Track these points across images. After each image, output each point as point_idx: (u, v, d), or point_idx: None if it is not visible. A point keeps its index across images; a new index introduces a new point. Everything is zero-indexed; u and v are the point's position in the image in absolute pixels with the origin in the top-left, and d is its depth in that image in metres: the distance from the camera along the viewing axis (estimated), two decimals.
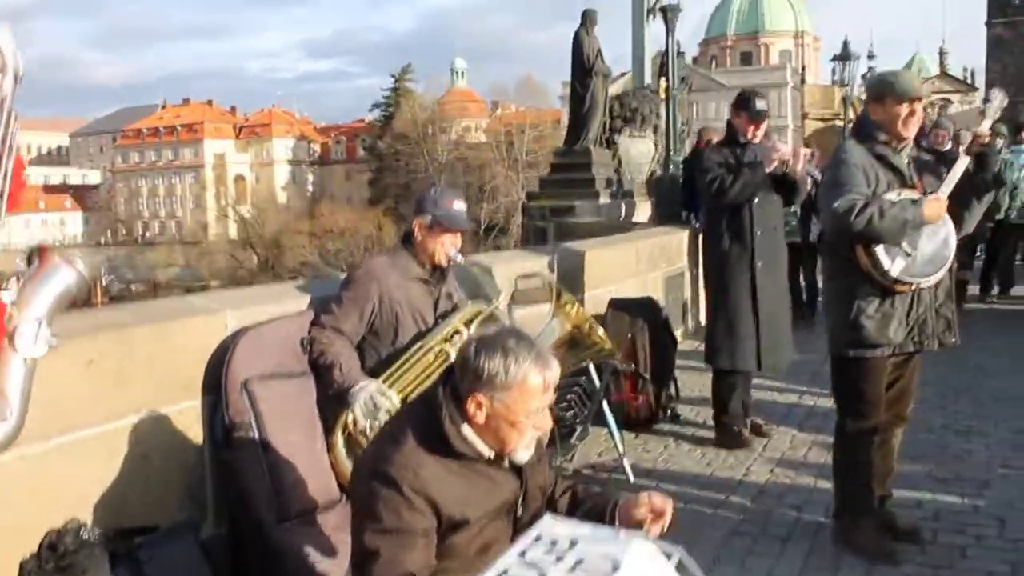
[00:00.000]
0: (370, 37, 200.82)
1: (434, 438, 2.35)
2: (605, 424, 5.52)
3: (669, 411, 6.47)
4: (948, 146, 10.10)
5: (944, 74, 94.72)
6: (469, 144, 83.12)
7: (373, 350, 3.88)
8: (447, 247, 3.94)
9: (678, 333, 8.84)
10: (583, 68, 14.45)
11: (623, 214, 13.32)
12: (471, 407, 2.33)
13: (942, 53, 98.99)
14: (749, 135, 5.82)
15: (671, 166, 12.19)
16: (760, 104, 5.81)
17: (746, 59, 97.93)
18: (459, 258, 3.99)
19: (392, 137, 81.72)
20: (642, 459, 5.73)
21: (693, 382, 7.21)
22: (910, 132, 4.00)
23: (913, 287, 4.00)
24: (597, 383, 5.31)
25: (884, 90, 3.98)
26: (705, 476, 5.42)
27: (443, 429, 2.34)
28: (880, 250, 3.90)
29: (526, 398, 2.32)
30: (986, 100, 4.25)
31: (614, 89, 17.34)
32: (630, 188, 14.76)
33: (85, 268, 2.27)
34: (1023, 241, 12.77)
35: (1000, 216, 11.35)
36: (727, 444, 5.91)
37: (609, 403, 6.02)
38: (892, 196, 3.91)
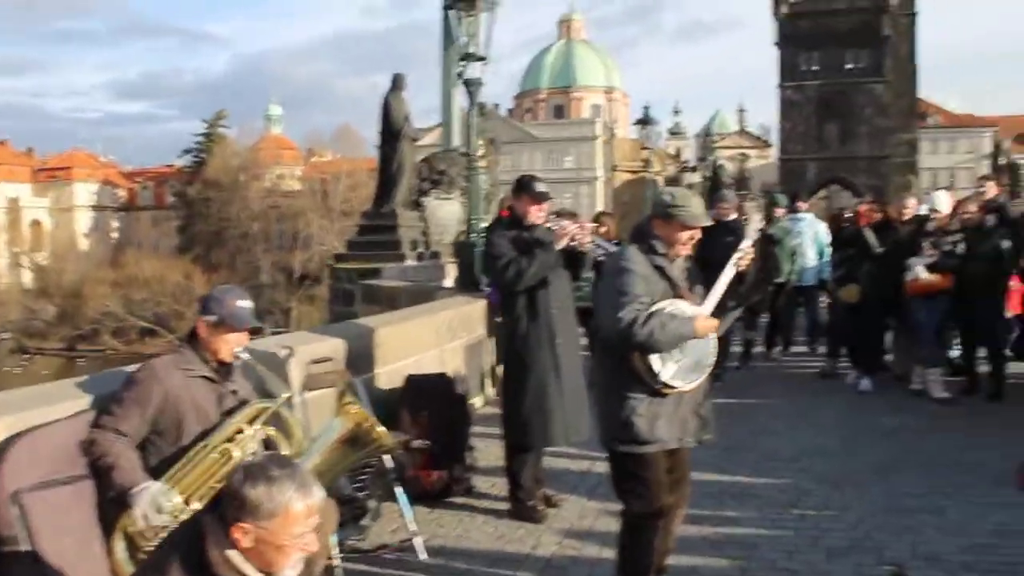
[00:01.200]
0: (183, 80, 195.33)
1: (198, 565, 2.43)
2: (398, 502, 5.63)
3: (464, 484, 6.64)
4: (732, 216, 10.83)
5: (743, 131, 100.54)
6: (283, 192, 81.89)
7: (156, 450, 3.88)
8: (232, 345, 4.01)
9: (478, 400, 9.07)
10: (391, 132, 14.68)
11: (430, 278, 13.54)
12: (237, 533, 2.43)
13: (741, 111, 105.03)
14: (532, 217, 6.09)
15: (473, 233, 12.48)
16: (540, 186, 6.12)
17: (559, 112, 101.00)
18: (245, 356, 4.06)
19: (203, 183, 79.59)
20: (436, 535, 5.86)
21: (492, 451, 7.39)
22: (684, 251, 4.42)
23: (678, 390, 4.35)
24: (389, 463, 5.43)
25: (673, 214, 4.34)
26: (496, 551, 5.60)
27: (207, 556, 2.42)
28: (654, 357, 4.23)
29: (290, 524, 2.44)
30: (745, 219, 4.70)
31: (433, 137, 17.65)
32: (438, 250, 15.03)
33: None
34: (804, 304, 13.75)
35: (781, 279, 12.22)
36: (522, 517, 6.10)
37: (404, 479, 6.16)
38: (667, 306, 4.25)
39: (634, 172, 76.77)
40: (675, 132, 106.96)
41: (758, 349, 12.47)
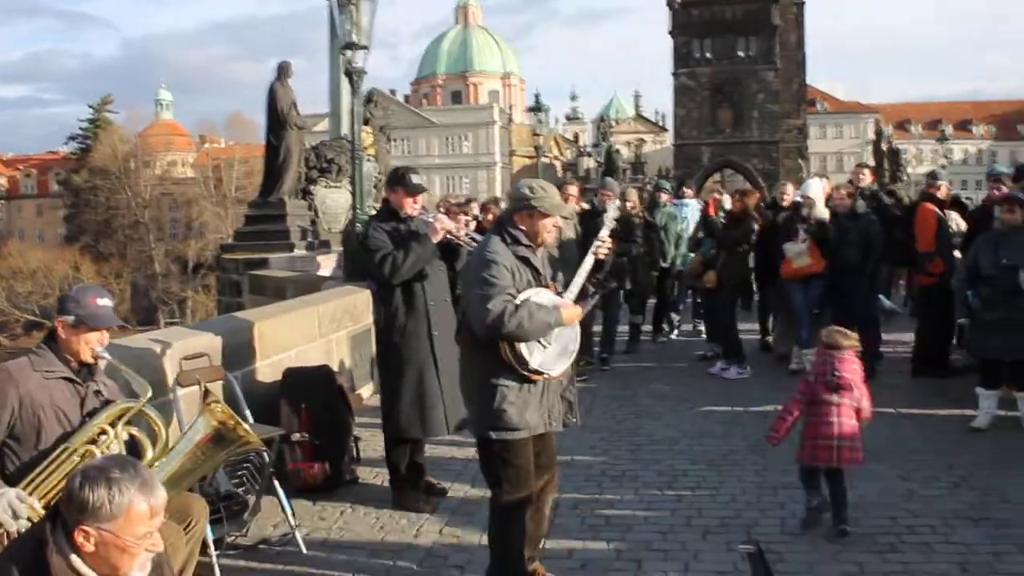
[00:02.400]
0: (67, 63, 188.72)
1: (38, 574, 2.40)
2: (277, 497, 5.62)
3: (348, 475, 6.65)
4: (616, 204, 11.04)
5: (639, 116, 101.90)
6: (175, 179, 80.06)
7: (13, 455, 3.80)
8: (93, 344, 3.94)
9: (366, 390, 9.07)
10: (278, 120, 14.49)
11: (318, 267, 13.45)
12: (79, 538, 2.41)
13: (637, 97, 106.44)
14: (407, 209, 6.13)
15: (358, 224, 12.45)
16: (416, 179, 6.17)
17: (456, 98, 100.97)
18: (106, 355, 4.00)
19: (90, 171, 77.20)
20: (317, 528, 5.87)
21: (379, 442, 7.32)
22: (549, 240, 4.59)
23: (546, 376, 4.47)
24: (267, 456, 5.41)
25: (533, 206, 4.47)
26: (377, 542, 5.64)
27: (48, 564, 2.40)
28: (523, 345, 4.35)
29: (133, 525, 2.43)
30: (603, 210, 4.88)
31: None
32: (327, 239, 14.92)
33: None
34: (690, 288, 14.09)
35: (666, 264, 12.48)
36: (405, 507, 6.15)
37: (285, 473, 6.15)
38: (532, 295, 4.37)
39: (531, 157, 77.11)
40: (572, 117, 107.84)
41: (646, 333, 12.73)
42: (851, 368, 5.69)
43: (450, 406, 6.08)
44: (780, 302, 10.83)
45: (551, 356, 4.45)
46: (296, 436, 6.29)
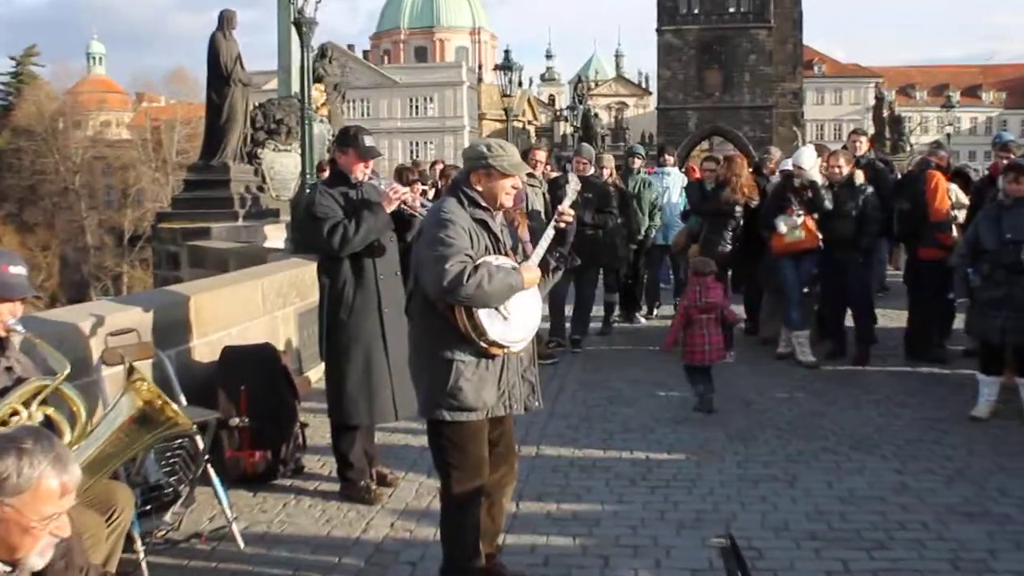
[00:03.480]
0: None
1: None
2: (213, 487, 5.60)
3: (292, 464, 6.64)
4: (591, 171, 11.06)
5: (620, 77, 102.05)
6: (109, 141, 79.22)
7: None
8: (4, 316, 3.90)
9: (315, 372, 9.05)
10: (220, 75, 14.35)
11: (265, 238, 13.39)
12: None
13: (618, 56, 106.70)
14: (358, 174, 6.10)
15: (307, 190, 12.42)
16: (369, 140, 6.13)
17: (421, 55, 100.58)
18: (20, 329, 3.96)
19: (13, 131, 76.16)
20: (257, 521, 5.87)
21: (327, 428, 7.32)
22: (508, 204, 4.61)
23: (506, 350, 4.47)
24: (201, 443, 5.39)
25: (490, 164, 4.48)
26: (321, 536, 5.64)
27: None
28: (482, 313, 4.34)
29: (40, 503, 2.40)
30: (565, 181, 4.92)
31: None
32: (276, 207, 14.85)
33: None
34: (671, 264, 14.13)
35: (640, 237, 12.50)
36: (352, 499, 6.16)
37: (223, 461, 6.14)
38: (492, 260, 4.37)
39: (503, 121, 77.11)
40: (548, 78, 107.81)
41: (618, 313, 12.77)
42: (716, 292, 8.47)
43: (399, 390, 6.08)
44: (767, 280, 10.88)
45: (512, 328, 4.45)
46: (235, 421, 6.27)
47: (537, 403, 4.82)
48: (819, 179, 9.94)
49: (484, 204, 4.51)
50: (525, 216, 8.41)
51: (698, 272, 8.51)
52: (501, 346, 4.44)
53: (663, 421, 8.07)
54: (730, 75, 69.86)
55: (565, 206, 4.71)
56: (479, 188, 4.52)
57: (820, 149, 11.09)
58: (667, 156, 14.40)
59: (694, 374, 8.50)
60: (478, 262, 4.31)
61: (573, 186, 4.90)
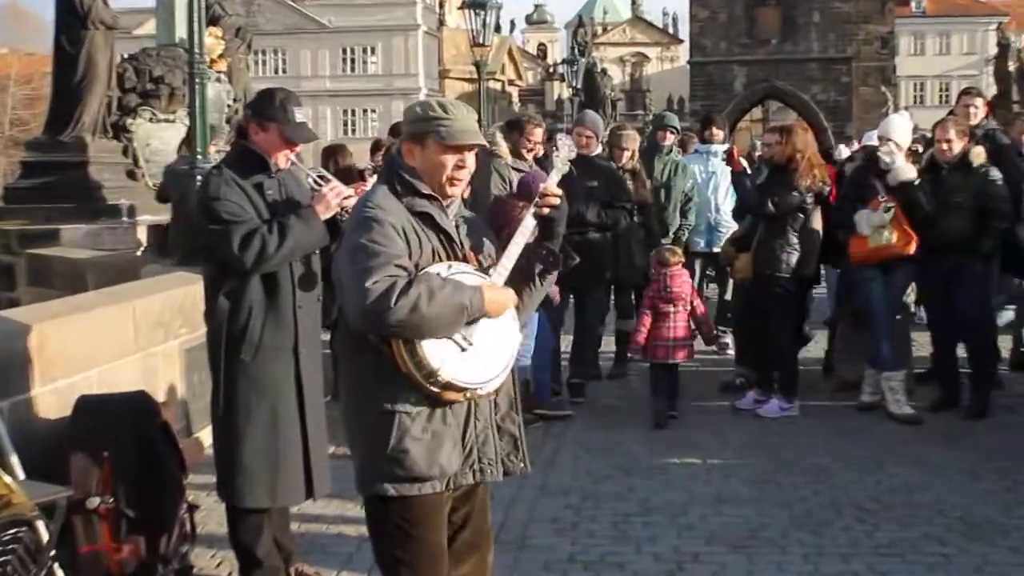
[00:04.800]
0: None
1: None
2: None
3: (176, 562, 6.62)
4: (597, 149, 11.12)
5: (638, 19, 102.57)
6: None
7: None
8: None
9: (207, 432, 9.02)
10: (74, 13, 14.33)
11: (138, 244, 13.35)
12: None
13: None
14: (281, 161, 6.10)
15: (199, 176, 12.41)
16: (300, 114, 6.13)
17: None
18: None
19: None
20: None
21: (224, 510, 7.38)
22: (455, 190, 4.48)
23: (469, 394, 4.41)
24: (45, 533, 5.37)
25: (425, 129, 4.41)
26: None
27: None
28: (425, 344, 4.25)
29: None
30: (554, 149, 4.84)
31: None
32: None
33: None
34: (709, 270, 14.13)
35: (668, 241, 12.50)
36: None
37: (77, 558, 6.10)
38: (442, 270, 4.31)
39: (472, 80, 77.28)
40: (537, 20, 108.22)
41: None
42: (680, 281, 10.24)
43: (318, 459, 6.11)
44: (843, 301, 10.92)
45: (475, 363, 4.37)
46: (94, 501, 6.22)
47: (522, 465, 4.73)
48: (906, 169, 9.92)
49: (425, 190, 4.44)
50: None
51: (663, 263, 10.29)
52: (459, 389, 4.37)
53: (700, 498, 8.07)
54: (791, 14, 70.19)
55: (551, 183, 4.60)
56: (416, 165, 4.45)
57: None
58: (714, 129, 14.17)
59: (656, 377, 10.39)
60: (419, 277, 4.24)
61: (564, 153, 4.74)
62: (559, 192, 4.56)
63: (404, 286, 4.15)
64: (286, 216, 5.93)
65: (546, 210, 4.52)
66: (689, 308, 10.19)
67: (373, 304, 4.14)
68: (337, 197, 6.05)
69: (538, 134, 10.59)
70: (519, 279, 4.55)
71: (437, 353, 4.28)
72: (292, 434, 6.08)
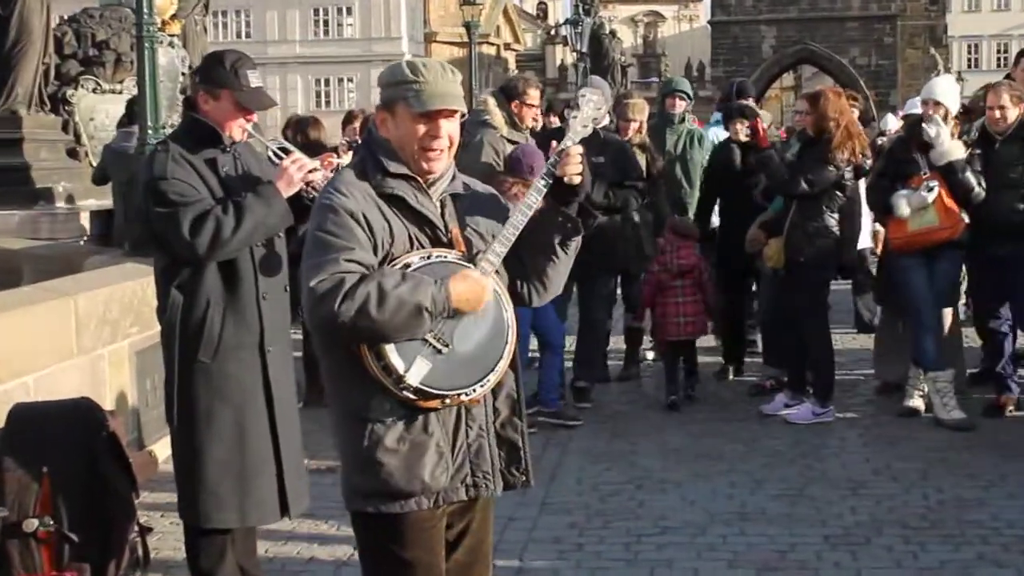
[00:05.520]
0: None
1: None
2: None
3: None
4: (604, 122, 11.14)
5: None
6: None
7: None
8: None
9: (163, 445, 9.05)
10: None
11: (82, 231, 13.36)
12: None
13: None
14: (234, 132, 6.10)
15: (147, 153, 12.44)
16: (255, 78, 6.13)
17: None
18: None
19: None
20: None
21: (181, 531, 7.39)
22: (435, 164, 4.40)
23: (449, 401, 4.38)
24: None
25: (395, 95, 4.37)
26: None
27: None
28: (391, 349, 4.22)
29: None
30: (574, 106, 4.71)
31: None
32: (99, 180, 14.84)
33: None
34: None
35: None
36: None
37: None
38: (414, 260, 4.27)
39: (462, 44, 77.14)
40: None
41: (650, 345, 12.81)
42: (688, 252, 10.84)
43: (292, 472, 6.12)
44: (883, 292, 10.94)
45: (455, 365, 4.33)
46: (32, 524, 6.26)
47: (524, 478, 4.68)
48: (954, 148, 9.89)
49: (398, 169, 4.38)
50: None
51: (678, 233, 11.07)
52: (433, 396, 4.33)
53: (721, 516, 8.10)
54: None
55: (572, 143, 4.40)
56: (389, 139, 4.42)
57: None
58: (746, 99, 14.10)
59: (670, 357, 11.05)
60: (373, 273, 4.19)
61: (589, 111, 4.53)
62: (580, 155, 4.42)
63: (351, 286, 4.12)
64: (243, 195, 5.94)
65: (576, 179, 4.40)
66: (698, 282, 10.78)
67: (317, 307, 4.14)
68: (300, 171, 6.08)
69: (536, 96, 10.58)
70: (538, 254, 4.53)
71: (406, 355, 4.25)
72: (262, 443, 6.09)
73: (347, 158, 9.19)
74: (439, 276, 4.25)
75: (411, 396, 4.29)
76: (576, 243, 4.60)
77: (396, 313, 4.12)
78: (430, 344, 4.28)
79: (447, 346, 4.31)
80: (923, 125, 10.09)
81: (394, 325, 4.15)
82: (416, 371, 4.25)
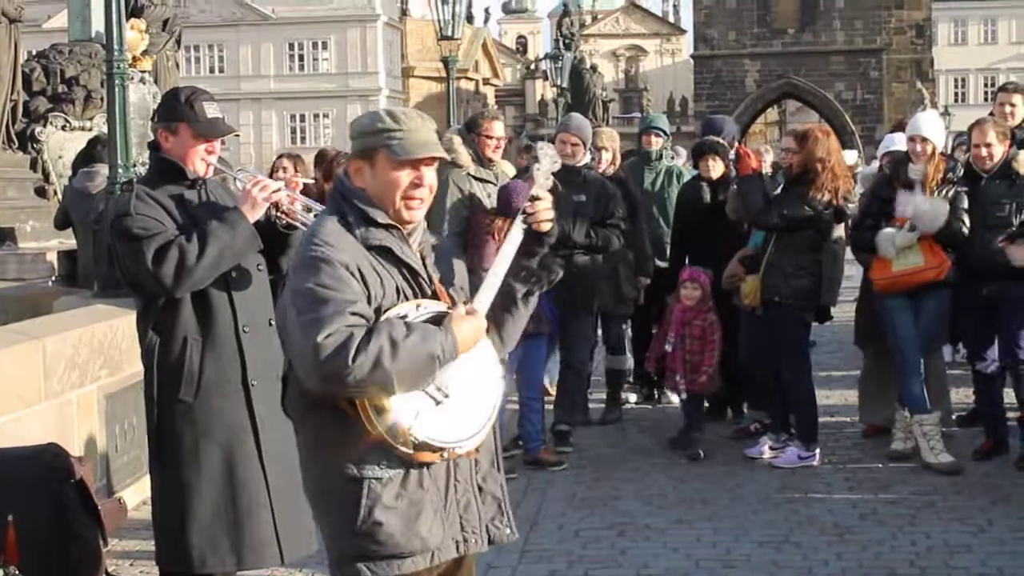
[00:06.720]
0: None
1: None
2: None
3: None
4: (584, 158, 11.13)
5: (633, 6, 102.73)
6: None
7: None
8: None
9: (133, 492, 9.03)
10: None
11: (51, 271, 13.35)
12: None
13: None
14: (196, 165, 6.15)
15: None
16: (212, 109, 6.19)
17: None
18: None
19: None
20: None
21: None
22: (415, 213, 4.46)
23: (447, 454, 4.40)
24: None
25: (375, 144, 4.39)
26: None
27: None
28: (395, 401, 4.22)
29: None
30: (535, 160, 4.77)
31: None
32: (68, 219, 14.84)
33: None
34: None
35: (663, 264, 12.45)
36: None
37: None
38: (407, 311, 4.29)
39: (440, 79, 77.25)
40: (515, 9, 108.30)
41: (632, 387, 12.81)
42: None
43: (284, 514, 6.09)
44: (866, 334, 10.96)
45: (455, 417, 4.36)
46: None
47: (508, 531, 4.73)
48: (933, 211, 9.88)
49: (382, 219, 4.41)
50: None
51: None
52: (435, 449, 4.35)
53: (705, 564, 8.13)
54: (812, 2, 70.35)
55: (540, 189, 4.54)
56: (367, 187, 4.43)
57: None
58: (721, 135, 14.11)
59: (693, 407, 11.13)
60: (379, 324, 4.20)
61: (546, 165, 4.59)
62: (549, 204, 4.54)
63: (363, 338, 4.09)
64: (207, 222, 5.97)
65: (545, 225, 4.51)
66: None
67: (327, 363, 4.07)
68: (263, 191, 6.11)
69: (497, 128, 10.55)
70: (498, 306, 4.53)
71: (410, 409, 4.25)
72: (254, 482, 6.08)
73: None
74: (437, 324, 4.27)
75: (409, 451, 4.29)
76: (535, 299, 4.65)
77: (411, 364, 4.14)
78: (430, 396, 4.29)
79: (446, 397, 4.32)
80: (910, 176, 10.09)
81: (407, 376, 4.16)
82: (420, 424, 4.27)
